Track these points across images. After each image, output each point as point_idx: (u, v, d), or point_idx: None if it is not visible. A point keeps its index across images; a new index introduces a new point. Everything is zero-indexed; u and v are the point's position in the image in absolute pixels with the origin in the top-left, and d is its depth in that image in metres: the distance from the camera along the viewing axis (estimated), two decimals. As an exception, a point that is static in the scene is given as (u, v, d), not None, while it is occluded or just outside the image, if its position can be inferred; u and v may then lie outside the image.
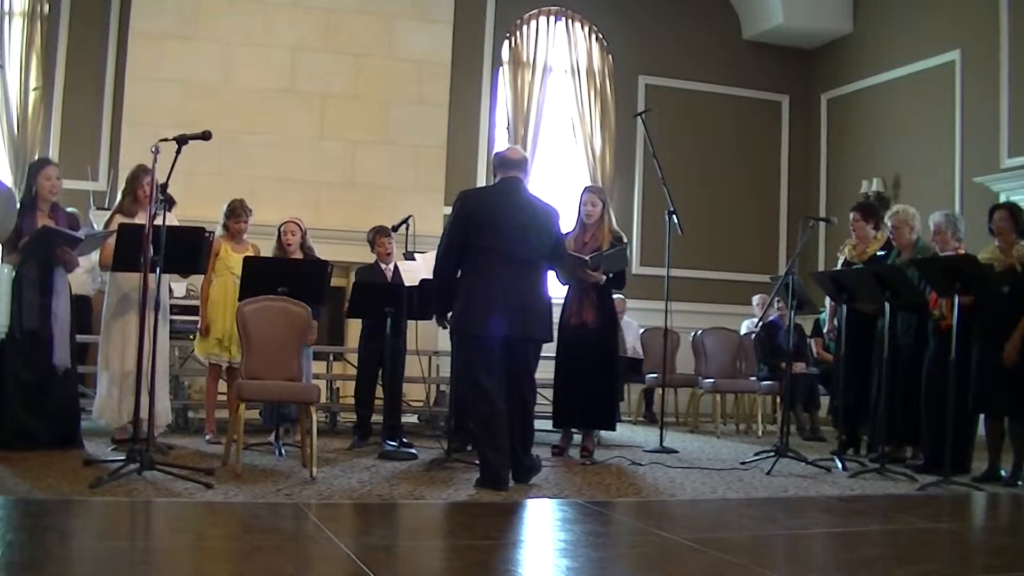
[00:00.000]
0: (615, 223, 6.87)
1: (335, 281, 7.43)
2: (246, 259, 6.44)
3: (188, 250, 5.73)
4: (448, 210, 6.35)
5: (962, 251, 6.30)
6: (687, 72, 11.46)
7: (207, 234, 5.90)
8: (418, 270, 6.48)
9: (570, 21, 11.10)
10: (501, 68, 10.88)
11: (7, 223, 5.58)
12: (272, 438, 6.41)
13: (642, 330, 10.07)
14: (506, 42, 10.89)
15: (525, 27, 10.96)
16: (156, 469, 4.91)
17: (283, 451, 6.21)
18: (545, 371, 6.21)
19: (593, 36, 11.15)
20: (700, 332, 9.50)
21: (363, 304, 6.78)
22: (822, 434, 8.64)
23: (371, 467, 5.86)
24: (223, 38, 9.59)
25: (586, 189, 6.94)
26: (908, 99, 10.49)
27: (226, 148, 8.94)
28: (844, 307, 6.86)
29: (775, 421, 9.42)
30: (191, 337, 7.14)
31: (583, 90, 11.02)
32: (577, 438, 6.84)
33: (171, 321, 6.61)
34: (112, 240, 5.73)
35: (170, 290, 7.23)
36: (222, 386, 6.80)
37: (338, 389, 8.39)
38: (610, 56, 11.17)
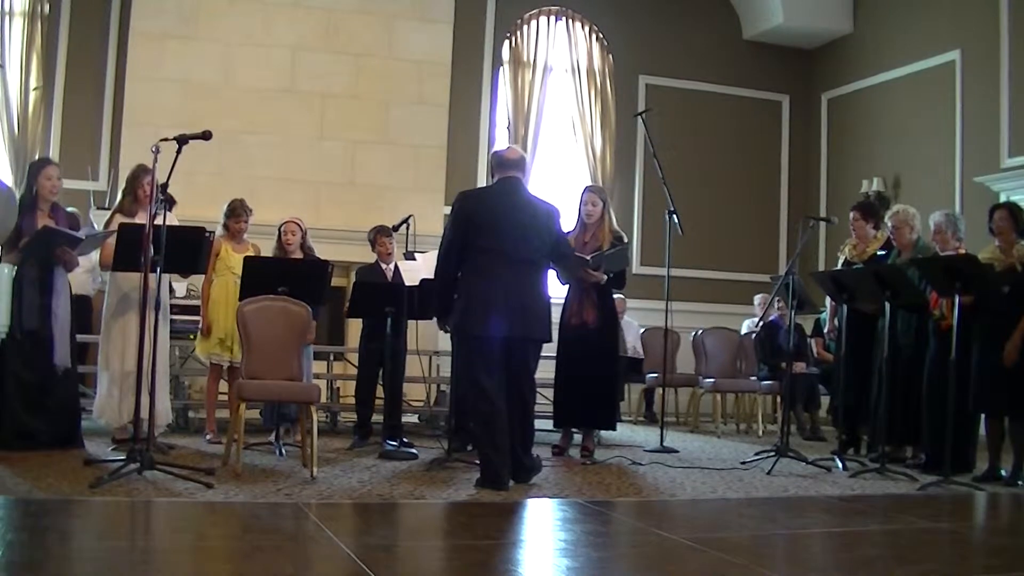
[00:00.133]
0: (615, 223, 6.87)
1: (335, 281, 7.43)
2: (246, 259, 6.44)
3: (188, 250, 5.73)
4: (448, 210, 6.35)
5: (962, 251, 6.31)
6: (687, 72, 11.46)
7: (207, 234, 5.90)
8: (418, 270, 6.48)
9: (570, 21, 11.10)
10: (501, 68, 10.88)
11: (7, 223, 5.58)
12: (272, 438, 6.41)
13: (642, 330, 10.07)
14: (506, 42, 10.89)
15: (525, 27, 10.96)
16: (156, 469, 4.91)
17: (283, 451, 6.21)
18: (545, 371, 6.21)
19: (593, 36, 11.16)
20: (700, 332, 9.51)
21: (363, 304, 6.78)
22: (822, 434, 8.64)
23: (371, 467, 5.86)
24: (223, 38, 9.59)
25: (586, 189, 6.94)
26: (908, 99, 10.49)
27: (226, 148, 8.94)
28: (844, 307, 6.86)
29: (775, 421, 9.42)
30: (192, 337, 7.14)
31: (583, 90, 11.02)
32: (577, 438, 6.84)
33: (172, 321, 6.62)
34: (112, 240, 5.73)
35: (172, 290, 7.25)
36: (223, 386, 6.80)
37: (338, 389, 8.39)
38: (610, 56, 11.17)
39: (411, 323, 6.74)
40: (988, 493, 5.74)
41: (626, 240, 6.97)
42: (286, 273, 6.21)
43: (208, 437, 6.65)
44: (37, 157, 8.45)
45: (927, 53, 10.23)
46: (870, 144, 10.96)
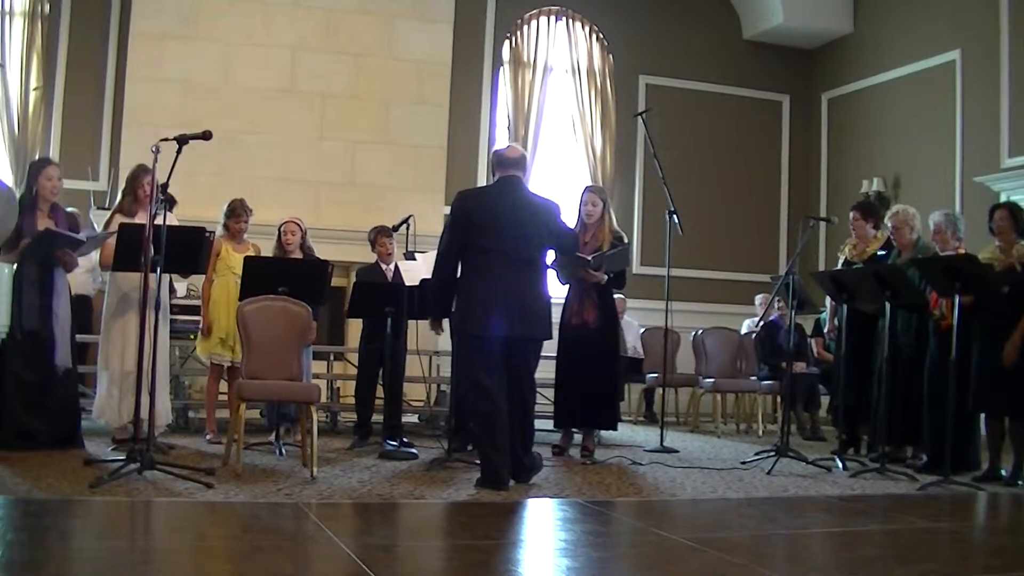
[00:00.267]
0: (615, 223, 6.87)
1: (335, 281, 7.44)
2: (247, 259, 6.44)
3: (188, 250, 5.73)
4: (448, 210, 6.35)
5: (962, 251, 6.31)
6: (687, 72, 11.46)
7: (207, 234, 5.90)
8: (418, 270, 6.48)
9: (570, 21, 11.10)
10: (501, 68, 10.88)
11: (7, 223, 5.58)
12: (272, 438, 6.41)
13: (642, 330, 10.07)
14: (506, 42, 10.89)
15: (525, 27, 10.95)
16: (156, 469, 4.91)
17: (283, 451, 6.21)
18: (546, 371, 6.21)
19: (594, 36, 11.15)
20: (700, 332, 9.51)
21: (363, 304, 6.78)
22: (822, 434, 8.64)
23: (371, 467, 5.86)
24: (223, 38, 9.59)
25: (586, 189, 6.94)
26: (908, 99, 10.49)
27: (226, 148, 8.94)
28: (844, 307, 6.86)
29: (775, 421, 9.42)
30: (192, 337, 7.14)
31: (583, 90, 11.02)
32: (578, 438, 6.84)
33: (173, 321, 6.62)
34: (112, 240, 5.73)
35: (174, 290, 7.25)
36: (223, 386, 6.80)
37: (338, 389, 8.39)
38: (610, 56, 11.17)
39: (411, 323, 6.74)
40: (988, 493, 5.75)
41: (626, 240, 6.98)
42: (286, 273, 6.21)
43: (208, 437, 6.66)
44: (37, 157, 8.45)
45: (927, 53, 10.22)
46: (870, 144, 10.96)
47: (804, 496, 5.44)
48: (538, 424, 6.02)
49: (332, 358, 8.44)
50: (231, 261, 6.67)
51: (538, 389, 5.83)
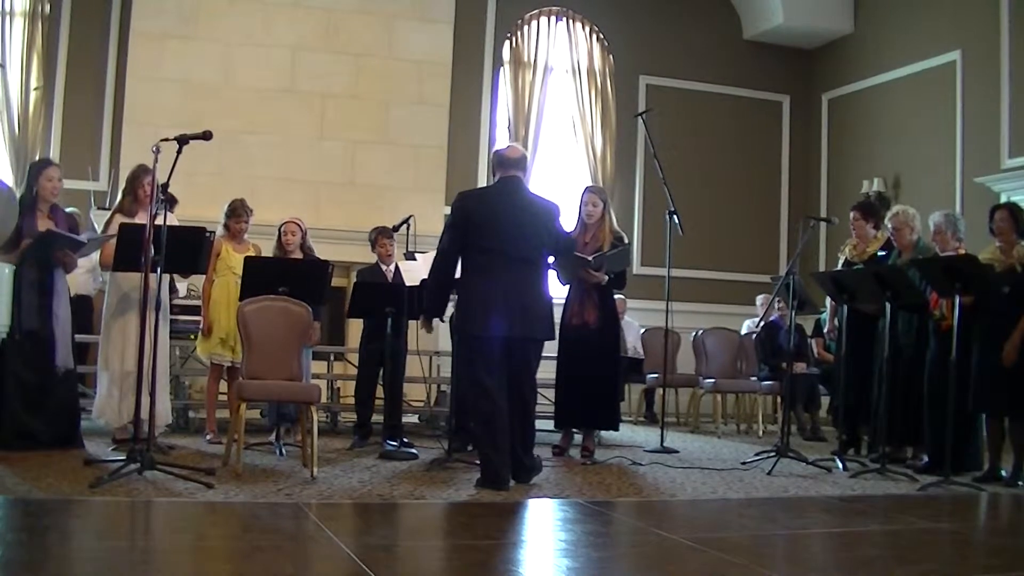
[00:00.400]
0: (616, 223, 6.87)
1: (336, 281, 7.44)
2: (247, 259, 6.44)
3: (189, 250, 5.73)
4: (448, 210, 6.36)
5: (962, 251, 6.31)
6: (688, 72, 11.46)
7: (208, 234, 5.90)
8: (419, 270, 6.48)
9: (571, 21, 11.10)
10: (502, 68, 10.88)
11: (8, 223, 5.58)
12: (273, 438, 6.41)
13: (643, 330, 10.07)
14: (507, 42, 10.89)
15: (526, 27, 10.96)
16: (156, 469, 4.91)
17: (283, 451, 6.21)
18: (546, 371, 6.21)
19: (594, 36, 11.16)
20: (701, 332, 9.51)
21: (363, 304, 6.78)
22: (823, 434, 8.64)
23: (371, 467, 5.86)
24: (223, 38, 9.59)
25: (587, 189, 6.94)
26: (909, 99, 10.48)
27: (226, 148, 8.94)
28: (845, 307, 6.86)
29: (776, 421, 9.42)
30: (192, 337, 7.14)
31: (584, 90, 11.02)
32: (578, 438, 6.83)
33: (173, 321, 6.62)
34: (113, 240, 5.73)
35: (175, 290, 7.25)
36: (223, 386, 6.80)
37: (339, 389, 8.39)
38: (611, 56, 11.17)
39: (411, 323, 6.74)
40: (988, 493, 5.74)
41: (627, 240, 6.97)
42: (286, 273, 6.21)
43: (208, 437, 6.65)
44: (38, 157, 8.47)
45: (928, 53, 10.22)
46: (870, 144, 10.96)
47: (804, 496, 5.44)
48: (538, 424, 6.02)
49: (332, 358, 8.44)
50: (231, 261, 6.67)
51: (539, 389, 5.83)
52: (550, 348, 5.84)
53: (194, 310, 7.21)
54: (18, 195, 6.08)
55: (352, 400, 7.41)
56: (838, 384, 7.22)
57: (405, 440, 6.60)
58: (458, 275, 5.52)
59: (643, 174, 11.09)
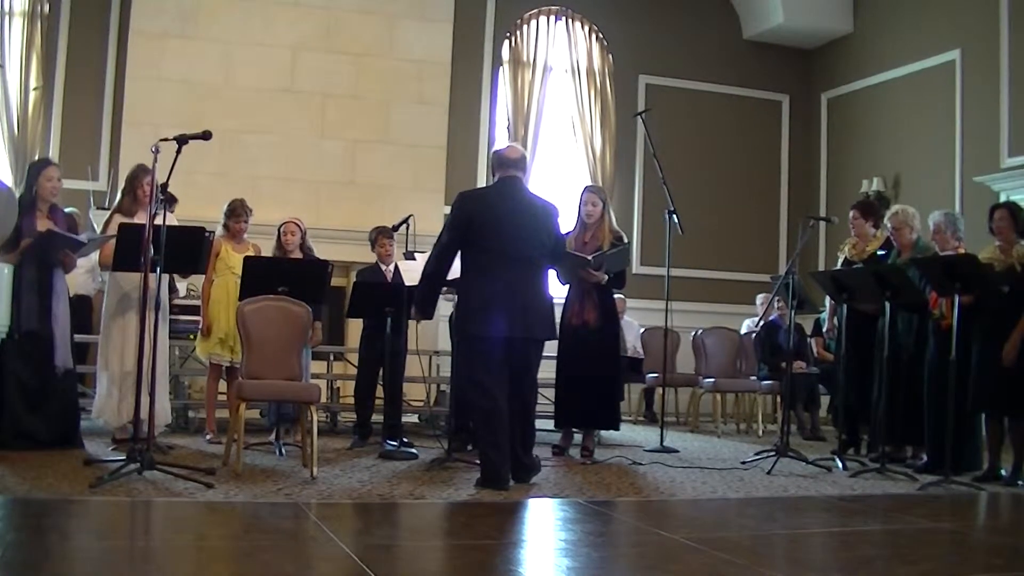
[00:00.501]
0: (615, 223, 6.87)
1: (335, 281, 7.44)
2: (246, 259, 6.44)
3: (188, 250, 5.72)
4: (448, 210, 6.35)
5: (962, 250, 6.30)
6: (687, 72, 11.46)
7: (207, 234, 5.90)
8: (418, 270, 6.45)
9: (570, 21, 11.10)
10: (501, 68, 10.88)
11: (7, 223, 5.58)
12: (272, 438, 6.41)
13: (642, 330, 10.07)
14: (506, 42, 10.89)
15: (525, 27, 10.95)
16: (156, 469, 4.91)
17: (283, 451, 6.21)
18: (546, 371, 6.21)
19: (593, 36, 11.15)
20: (700, 332, 9.51)
21: (363, 304, 6.78)
22: (822, 434, 8.64)
23: (371, 467, 5.85)
24: (223, 38, 9.59)
25: (586, 189, 6.93)
26: (908, 99, 10.48)
27: (226, 148, 8.94)
28: (844, 306, 6.86)
29: (775, 421, 9.42)
30: (191, 337, 7.14)
31: (583, 90, 11.02)
32: (578, 437, 6.83)
33: (174, 321, 6.62)
34: (113, 240, 5.73)
35: (176, 289, 7.25)
36: (222, 386, 6.80)
37: (338, 389, 8.39)
38: (610, 56, 11.17)
39: (411, 323, 6.74)
40: (988, 493, 5.74)
41: (626, 240, 6.97)
42: (286, 273, 6.21)
43: (208, 437, 6.65)
44: (37, 157, 8.45)
45: (927, 53, 10.22)
46: (870, 144, 10.96)
47: (804, 496, 5.44)
48: (538, 424, 6.02)
49: (332, 358, 8.44)
50: (231, 261, 6.67)
51: (539, 389, 5.83)
52: (550, 348, 5.84)
53: (194, 310, 7.21)
54: (17, 195, 6.08)
55: (352, 400, 7.41)
56: (838, 383, 7.23)
57: (405, 440, 6.59)
58: (457, 275, 5.53)
59: (642, 174, 11.09)
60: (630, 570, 3.85)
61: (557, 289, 6.03)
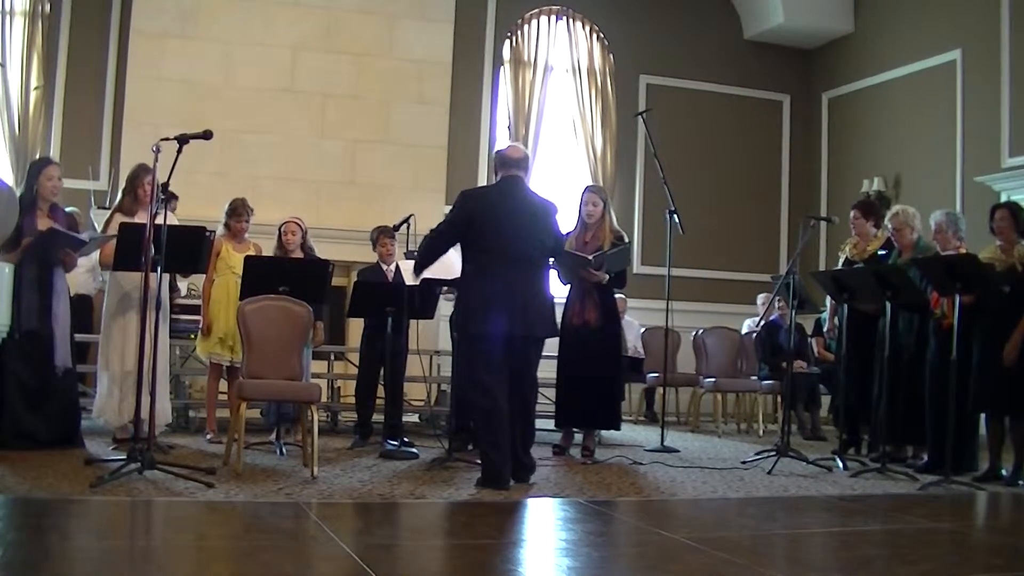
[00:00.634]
0: (616, 222, 6.87)
1: (336, 280, 7.43)
2: (247, 258, 6.44)
3: (189, 249, 5.72)
4: (448, 210, 6.35)
5: (963, 250, 6.30)
6: (688, 71, 11.46)
7: (208, 233, 5.90)
8: (418, 270, 6.48)
9: (571, 20, 11.09)
10: (502, 67, 10.88)
11: (8, 223, 5.57)
12: (273, 437, 6.41)
13: (643, 329, 10.07)
14: (507, 41, 10.89)
15: (526, 26, 10.95)
16: (157, 468, 4.91)
17: (284, 450, 6.21)
18: (547, 371, 6.21)
19: (594, 35, 11.15)
20: (701, 331, 9.51)
21: (363, 304, 6.78)
22: (823, 433, 8.63)
23: (372, 466, 5.85)
24: (223, 37, 9.59)
25: (587, 188, 6.93)
26: (909, 98, 10.48)
27: (227, 147, 8.95)
28: (845, 306, 6.86)
29: (776, 420, 9.42)
30: (192, 336, 7.14)
31: (584, 89, 11.02)
32: (578, 437, 6.83)
33: (175, 320, 6.62)
34: (114, 239, 5.73)
35: (177, 289, 7.24)
36: (223, 385, 6.79)
37: (339, 388, 8.39)
38: (611, 55, 11.17)
39: (412, 322, 6.74)
40: (989, 493, 5.74)
41: (627, 240, 6.97)
42: (286, 273, 6.21)
43: (208, 437, 6.65)
44: (38, 156, 8.45)
45: (928, 53, 10.22)
46: (871, 144, 10.95)
47: (804, 496, 5.44)
48: (538, 424, 6.02)
49: (332, 358, 8.44)
50: (231, 260, 6.67)
51: (539, 389, 5.83)
52: (550, 348, 5.84)
53: (194, 309, 7.21)
54: (18, 194, 6.08)
55: (352, 399, 7.41)
56: (838, 383, 7.22)
57: (405, 440, 6.59)
58: (458, 275, 5.53)
59: (643, 173, 11.09)
60: (630, 570, 3.85)
61: (558, 289, 6.03)
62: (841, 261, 7.45)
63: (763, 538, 4.46)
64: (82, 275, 7.70)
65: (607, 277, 6.47)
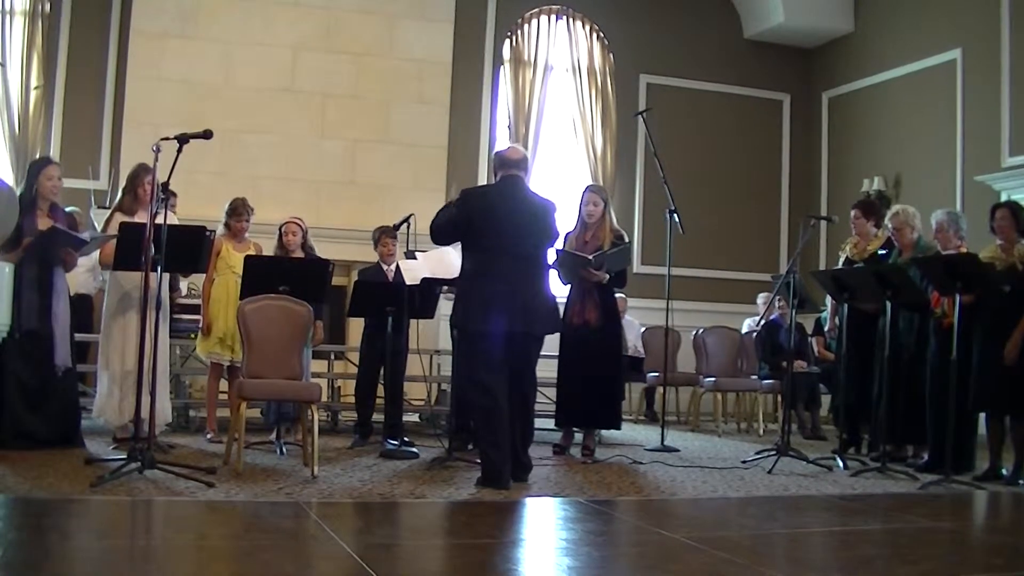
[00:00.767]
0: (616, 222, 6.87)
1: (336, 280, 7.43)
2: (247, 258, 6.44)
3: (189, 249, 5.73)
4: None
5: (964, 250, 6.30)
6: (688, 71, 11.45)
7: (208, 233, 5.90)
8: (419, 269, 6.47)
9: (571, 20, 11.09)
10: (502, 67, 10.88)
11: (8, 222, 5.57)
12: (273, 437, 6.41)
13: (643, 329, 10.07)
14: (507, 41, 10.89)
15: (526, 26, 10.95)
16: (157, 468, 4.91)
17: (284, 450, 6.21)
18: (547, 370, 6.21)
19: (594, 35, 11.15)
20: (701, 331, 9.51)
21: (364, 303, 6.78)
22: (823, 433, 8.63)
23: (372, 466, 5.86)
24: (223, 37, 9.59)
25: (587, 188, 6.93)
26: (909, 98, 10.48)
27: (227, 147, 8.95)
28: (845, 306, 6.86)
29: (776, 420, 9.42)
30: (192, 336, 7.14)
31: (584, 89, 11.01)
32: (579, 437, 6.83)
33: (176, 320, 6.61)
34: (114, 239, 5.73)
35: (178, 288, 7.24)
36: (223, 385, 6.79)
37: (339, 388, 8.39)
38: (611, 55, 11.17)
39: (412, 322, 6.74)
40: (989, 492, 5.74)
41: (627, 239, 6.97)
42: (287, 272, 6.21)
43: (209, 436, 6.65)
44: (38, 156, 8.46)
45: (928, 52, 10.22)
46: (871, 143, 10.95)
47: (805, 495, 5.44)
48: (539, 423, 6.02)
49: (332, 357, 8.44)
50: (232, 260, 6.67)
51: (539, 388, 5.83)
52: (551, 347, 5.83)
53: (195, 309, 7.21)
54: (18, 194, 6.08)
55: (352, 399, 7.41)
56: (838, 383, 7.22)
57: (406, 439, 6.59)
58: (457, 275, 5.54)
59: (643, 173, 11.08)
60: (630, 569, 3.85)
61: (558, 289, 6.03)
62: (841, 261, 7.45)
63: (763, 537, 4.46)
64: (82, 274, 7.70)
65: (607, 277, 6.47)
